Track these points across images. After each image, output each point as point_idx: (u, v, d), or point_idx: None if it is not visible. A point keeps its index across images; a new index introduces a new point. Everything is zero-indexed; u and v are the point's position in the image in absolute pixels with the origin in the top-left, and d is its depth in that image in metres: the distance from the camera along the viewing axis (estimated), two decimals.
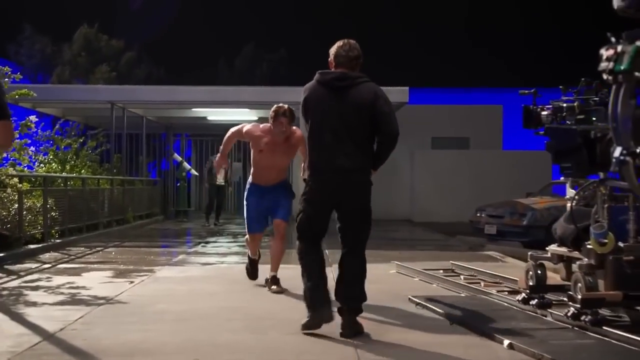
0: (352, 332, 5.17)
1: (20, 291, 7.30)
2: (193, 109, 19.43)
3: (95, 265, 9.63)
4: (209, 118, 20.72)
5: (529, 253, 6.46)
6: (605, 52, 4.81)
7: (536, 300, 6.05)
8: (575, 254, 5.83)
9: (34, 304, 6.56)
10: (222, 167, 7.59)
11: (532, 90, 6.43)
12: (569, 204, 6.01)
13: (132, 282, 8.03)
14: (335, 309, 5.28)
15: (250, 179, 7.39)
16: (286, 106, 7.02)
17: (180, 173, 20.49)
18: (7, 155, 11.52)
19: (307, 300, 5.25)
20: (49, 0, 38.00)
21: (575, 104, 5.82)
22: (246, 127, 7.37)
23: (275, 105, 7.12)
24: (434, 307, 6.24)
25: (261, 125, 7.27)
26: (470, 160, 21.13)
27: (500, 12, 42.35)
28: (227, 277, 8.65)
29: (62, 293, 7.19)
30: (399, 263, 9.25)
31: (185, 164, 20.74)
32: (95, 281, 8.05)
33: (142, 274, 8.74)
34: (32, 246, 11.02)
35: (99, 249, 11.89)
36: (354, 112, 5.14)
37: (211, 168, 17.74)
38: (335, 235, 5.38)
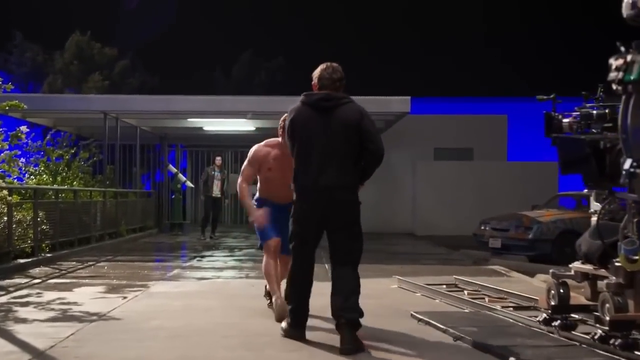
0: (352, 348, 5.19)
1: (10, 307, 7.29)
2: (189, 119, 19.45)
3: (87, 280, 9.60)
4: (205, 128, 20.74)
5: (551, 271, 6.20)
6: (614, 62, 4.80)
7: (559, 321, 5.79)
8: (602, 271, 5.61)
9: (24, 320, 6.55)
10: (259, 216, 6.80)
11: (551, 96, 6.18)
12: (593, 218, 5.82)
13: (125, 297, 8.01)
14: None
15: (257, 195, 6.88)
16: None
17: (175, 185, 20.49)
18: None
19: (293, 318, 5.67)
20: (39, 6, 38.14)
21: (607, 110, 5.50)
22: (250, 156, 6.85)
23: (285, 115, 6.92)
24: (436, 324, 6.23)
25: (265, 141, 6.86)
26: (474, 172, 21.15)
27: (505, 19, 42.49)
28: (223, 292, 8.63)
29: (52, 309, 7.18)
30: (400, 278, 9.24)
31: (181, 176, 20.74)
32: (87, 297, 8.03)
33: (135, 289, 8.72)
34: (21, 260, 11.01)
35: (91, 263, 11.86)
36: (341, 132, 5.40)
37: (207, 179, 17.75)
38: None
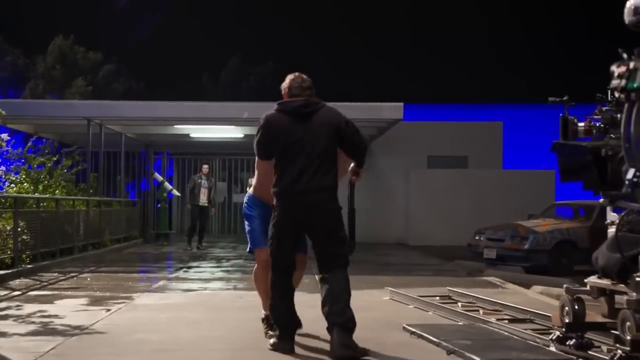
0: (343, 351, 5.27)
1: None
2: (175, 126, 19.43)
3: (69, 292, 9.56)
4: (192, 135, 20.73)
5: (565, 286, 5.96)
6: (616, 69, 4.80)
7: (574, 340, 5.55)
8: (621, 287, 5.38)
9: (3, 334, 6.52)
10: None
11: (564, 98, 5.99)
12: (610, 229, 5.67)
13: (108, 310, 7.99)
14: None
15: (251, 192, 6.54)
16: None
17: (161, 193, 20.45)
18: None
19: (280, 329, 5.71)
20: (21, 9, 38.07)
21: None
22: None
23: None
24: (429, 336, 6.24)
25: None
26: (469, 180, 21.20)
27: (502, 22, 42.66)
28: (210, 304, 8.62)
29: (33, 322, 7.15)
30: (392, 289, 9.24)
31: (167, 184, 20.71)
32: (69, 309, 8.00)
33: (119, 301, 8.69)
34: (1, 272, 10.95)
35: (73, 274, 11.82)
36: (320, 136, 5.62)
37: (193, 188, 17.73)
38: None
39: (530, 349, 5.85)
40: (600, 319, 5.88)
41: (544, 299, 9.58)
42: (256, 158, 6.08)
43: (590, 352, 5.46)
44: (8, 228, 11.68)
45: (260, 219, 6.25)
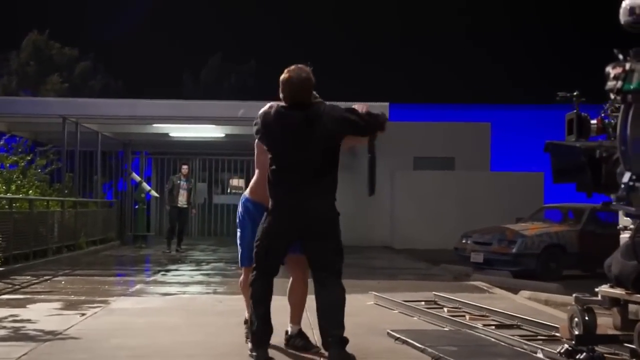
0: None
1: None
2: (154, 125, 19.36)
3: (43, 296, 9.50)
4: (171, 134, 20.66)
5: (574, 295, 5.77)
6: (612, 70, 4.80)
7: (584, 353, 5.37)
8: (637, 297, 5.28)
9: None
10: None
11: (574, 93, 5.78)
12: (623, 235, 5.60)
13: (83, 314, 7.94)
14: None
15: (247, 194, 6.16)
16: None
17: (139, 194, 20.36)
18: None
19: (254, 336, 5.61)
20: None
21: None
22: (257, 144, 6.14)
23: None
24: (414, 342, 6.24)
25: None
26: (456, 182, 21.27)
27: (489, 23, 42.84)
28: (189, 308, 8.59)
29: (4, 327, 7.09)
30: (377, 294, 9.25)
31: (145, 185, 20.62)
32: (42, 314, 7.95)
33: (94, 305, 8.64)
34: None
35: (47, 277, 11.74)
36: (320, 144, 5.43)
37: (172, 189, 17.68)
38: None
39: (518, 356, 5.86)
40: (612, 331, 5.76)
41: (531, 304, 9.62)
42: (255, 152, 5.91)
43: None
44: None
45: (251, 235, 5.78)
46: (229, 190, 25.66)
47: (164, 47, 40.02)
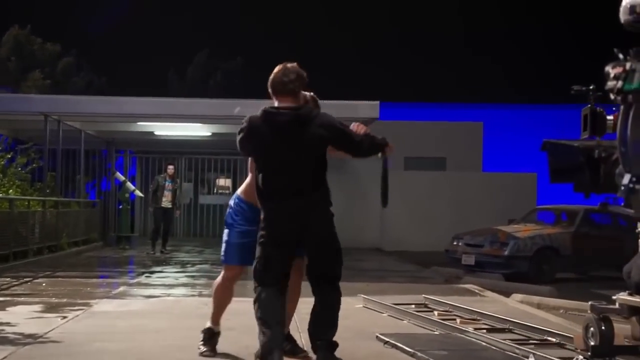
0: None
1: None
2: (138, 123, 19.31)
3: (23, 299, 9.45)
4: (156, 133, 20.61)
5: (590, 303, 5.60)
6: (612, 70, 4.80)
7: None
8: None
9: None
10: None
11: (590, 87, 5.58)
12: None
13: (65, 317, 7.90)
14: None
15: (240, 194, 6.00)
16: (307, 94, 5.88)
17: (123, 194, 20.30)
18: None
19: (264, 357, 5.26)
20: None
21: None
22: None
23: None
24: (404, 346, 6.25)
25: None
26: (447, 183, 21.32)
27: (482, 21, 42.95)
28: (174, 311, 8.58)
29: None
30: (366, 297, 9.26)
31: (129, 184, 20.57)
32: (22, 316, 7.90)
33: (76, 308, 8.61)
34: None
35: (27, 279, 11.69)
36: (312, 149, 5.35)
37: (156, 189, 17.65)
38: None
39: None
40: (631, 342, 5.62)
41: (524, 307, 9.66)
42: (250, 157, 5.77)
43: None
44: None
45: (241, 233, 5.82)
46: (215, 191, 25.64)
47: (149, 43, 39.94)
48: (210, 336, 6.09)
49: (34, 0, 38.58)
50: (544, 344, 6.49)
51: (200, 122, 18.51)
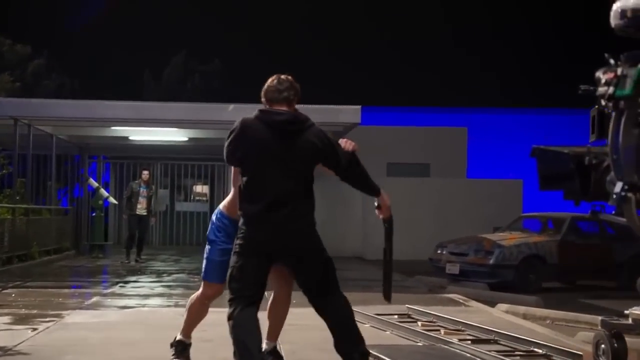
0: None
1: None
2: (112, 128, 19.23)
3: None
4: (130, 138, 20.54)
5: (600, 319, 5.54)
6: (603, 76, 4.81)
7: None
8: None
9: None
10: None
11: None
12: None
13: (35, 329, 7.86)
14: None
15: (224, 211, 5.90)
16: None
17: (96, 201, 20.22)
18: None
19: None
20: None
21: None
22: None
23: None
24: (386, 358, 6.26)
25: None
26: (431, 190, 21.38)
27: (467, 23, 43.15)
28: (149, 322, 8.55)
29: None
30: None
31: (102, 191, 20.49)
32: None
33: (47, 319, 8.56)
34: None
35: None
36: (302, 158, 5.29)
37: (130, 196, 17.59)
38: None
39: None
40: None
41: (509, 318, 9.70)
42: (232, 169, 5.66)
43: None
44: None
45: (223, 251, 5.70)
46: (192, 197, 25.58)
47: (123, 44, 39.76)
48: (183, 349, 6.06)
49: (2, 1, 38.35)
50: (530, 355, 6.53)
51: (177, 127, 18.46)
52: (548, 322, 10.27)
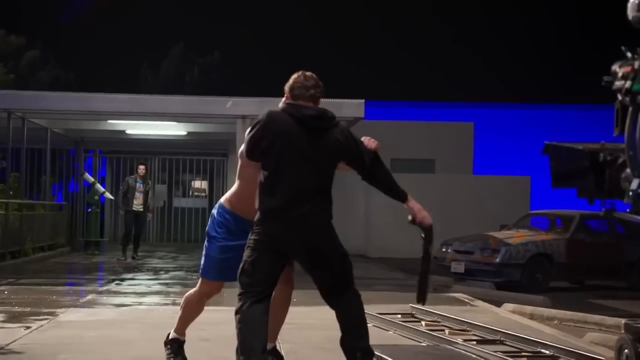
0: None
1: None
2: (109, 121, 19.24)
3: None
4: (127, 132, 20.55)
5: (624, 322, 5.47)
6: (619, 69, 4.79)
7: None
8: None
9: None
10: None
11: None
12: None
13: (28, 327, 7.86)
14: None
15: (224, 203, 5.81)
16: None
17: (92, 196, 20.23)
18: None
19: None
20: None
21: None
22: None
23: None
24: (389, 359, 6.25)
25: None
26: (436, 186, 21.34)
27: (472, 17, 43.11)
28: (146, 321, 8.55)
29: None
30: None
31: (98, 186, 20.50)
32: None
33: (41, 317, 8.56)
34: None
35: None
36: (328, 156, 5.37)
37: (126, 191, 17.59)
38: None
39: None
40: None
41: (516, 318, 9.70)
42: (239, 162, 5.61)
43: None
44: None
45: (222, 248, 5.66)
46: (190, 193, 25.59)
47: (120, 36, 39.74)
48: (179, 347, 6.04)
49: None
50: (537, 356, 6.52)
51: (175, 121, 18.46)
52: (556, 322, 10.26)
